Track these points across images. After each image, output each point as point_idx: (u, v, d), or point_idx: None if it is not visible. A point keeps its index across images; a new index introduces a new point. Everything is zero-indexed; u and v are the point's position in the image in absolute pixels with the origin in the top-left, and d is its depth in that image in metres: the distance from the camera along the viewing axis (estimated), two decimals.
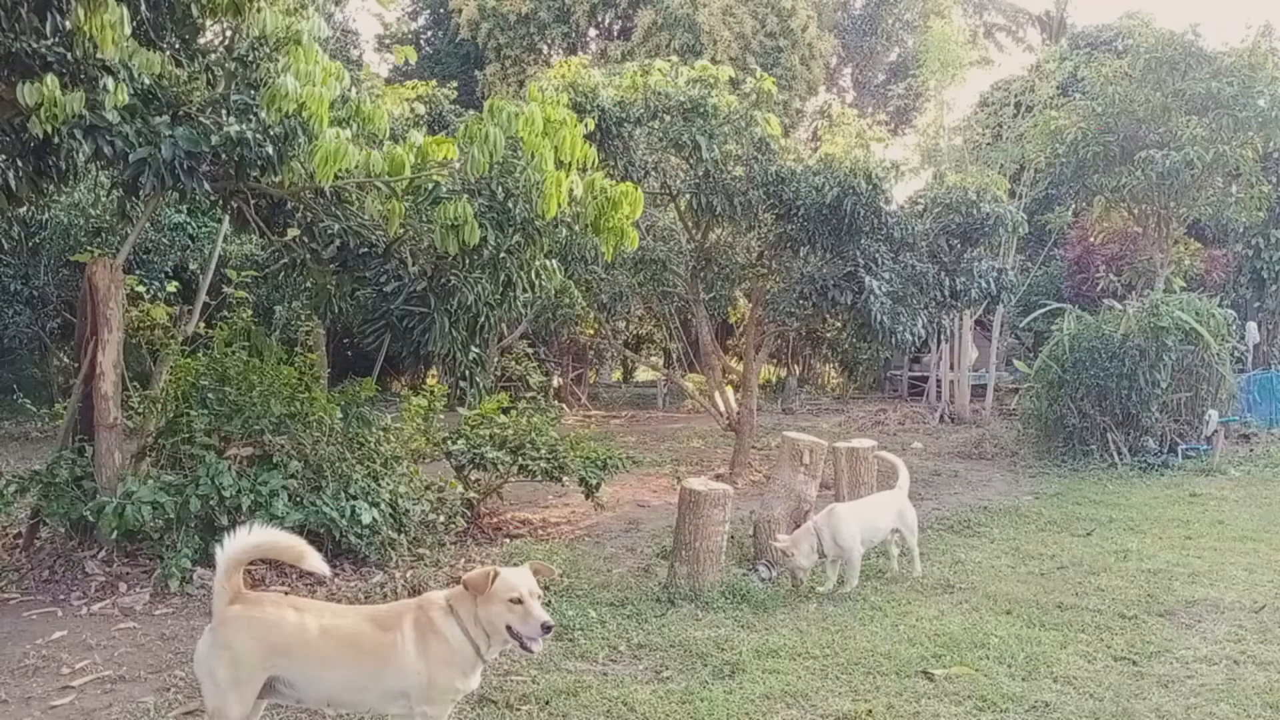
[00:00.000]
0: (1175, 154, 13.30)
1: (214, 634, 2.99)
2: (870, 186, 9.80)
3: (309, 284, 6.82)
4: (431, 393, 7.42)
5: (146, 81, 4.95)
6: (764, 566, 5.98)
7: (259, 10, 4.99)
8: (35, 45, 4.56)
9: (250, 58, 5.53)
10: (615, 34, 26.18)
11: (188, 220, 13.38)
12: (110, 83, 4.60)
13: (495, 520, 7.45)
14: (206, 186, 5.17)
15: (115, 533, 5.37)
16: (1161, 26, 14.34)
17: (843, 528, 5.63)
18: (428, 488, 6.57)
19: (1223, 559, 6.48)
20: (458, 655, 3.04)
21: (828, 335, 11.31)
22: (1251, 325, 14.40)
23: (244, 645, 2.96)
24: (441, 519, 6.31)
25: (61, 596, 5.18)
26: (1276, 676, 4.22)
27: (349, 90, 5.44)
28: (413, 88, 11.61)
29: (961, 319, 15.80)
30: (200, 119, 5.10)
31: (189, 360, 6.54)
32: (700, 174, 9.97)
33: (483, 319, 6.19)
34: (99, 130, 4.71)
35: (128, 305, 7.02)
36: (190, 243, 13.44)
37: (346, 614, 3.25)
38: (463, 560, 6.08)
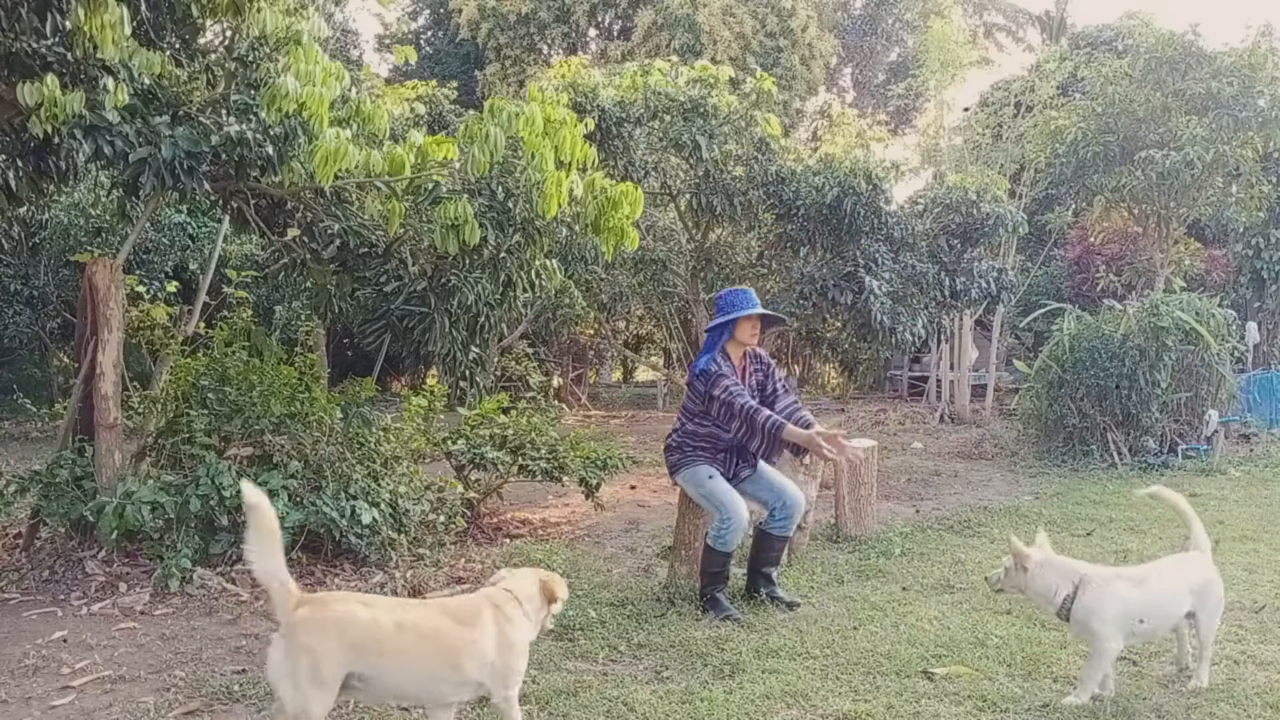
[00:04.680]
0: (1175, 154, 13.30)
1: (288, 639, 3.02)
2: (870, 186, 9.81)
3: (309, 284, 6.83)
4: (431, 393, 7.42)
5: (146, 81, 4.95)
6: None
7: (259, 10, 4.99)
8: (35, 45, 4.56)
9: (250, 58, 5.53)
10: (615, 34, 26.19)
11: (188, 220, 13.39)
12: (110, 83, 4.59)
13: (495, 520, 7.45)
14: (206, 186, 5.17)
15: (115, 533, 5.37)
16: (1161, 26, 14.34)
17: (1105, 606, 3.85)
18: (428, 488, 6.57)
19: (1223, 559, 6.46)
20: (527, 647, 3.36)
21: (828, 335, 11.31)
22: (1251, 325, 14.40)
23: (323, 645, 3.01)
24: (441, 519, 6.31)
25: (61, 596, 5.18)
26: (1276, 676, 4.22)
27: (349, 90, 5.44)
28: (413, 88, 11.61)
29: (961, 319, 15.80)
30: (200, 119, 5.10)
31: (189, 360, 6.54)
32: (700, 174, 9.98)
33: (483, 319, 6.20)
34: (99, 130, 4.70)
35: (128, 305, 7.03)
36: (190, 243, 13.44)
37: (416, 608, 3.40)
38: (463, 560, 6.08)
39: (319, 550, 5.76)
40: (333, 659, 3.01)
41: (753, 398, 5.13)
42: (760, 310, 5.15)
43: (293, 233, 6.25)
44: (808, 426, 5.01)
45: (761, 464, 5.26)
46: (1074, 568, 3.99)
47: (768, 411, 4.98)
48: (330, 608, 3.13)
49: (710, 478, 5.11)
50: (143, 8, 4.88)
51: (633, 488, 9.41)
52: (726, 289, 5.43)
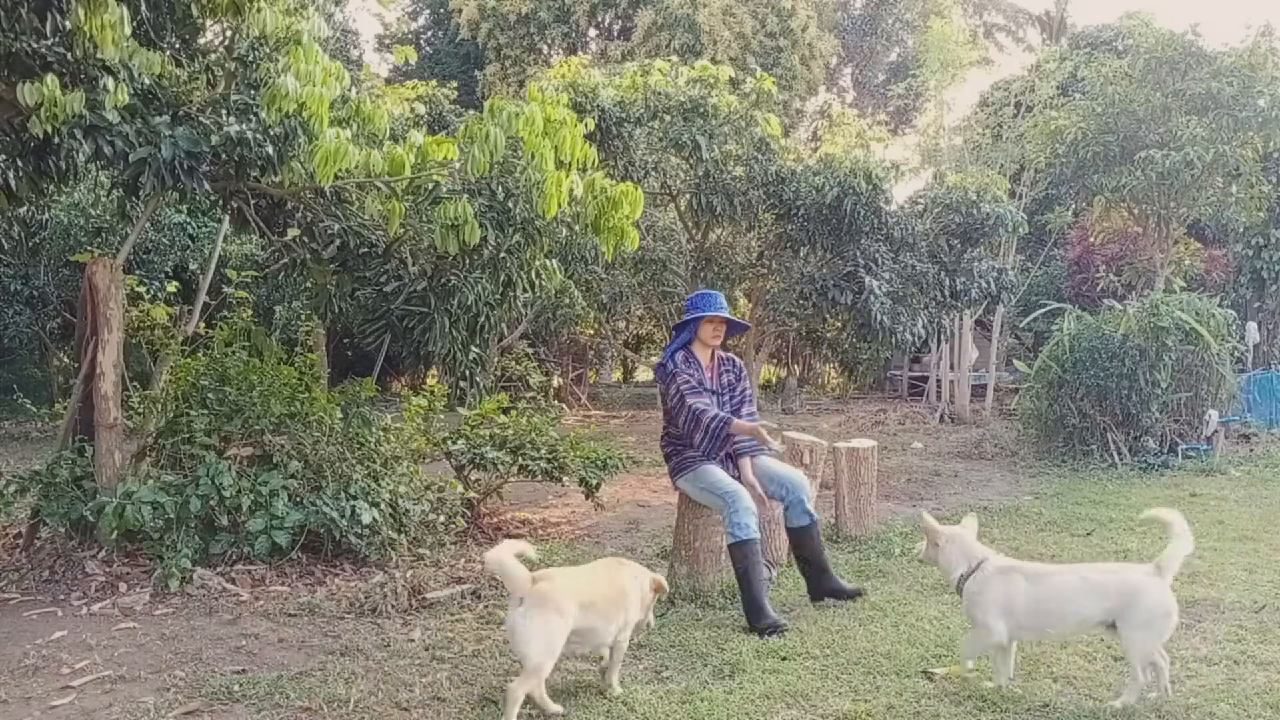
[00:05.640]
0: (1175, 154, 13.31)
1: (535, 608, 3.57)
2: (870, 186, 9.82)
3: (309, 284, 6.82)
4: (431, 393, 7.42)
5: (146, 81, 4.95)
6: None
7: (259, 10, 4.99)
8: (35, 45, 4.56)
9: (250, 58, 5.53)
10: (615, 34, 26.18)
11: (188, 220, 13.39)
12: (110, 83, 4.59)
13: (495, 520, 7.45)
14: (206, 186, 5.17)
15: (115, 533, 5.37)
16: (1161, 26, 14.36)
17: (987, 592, 4.00)
18: (428, 488, 6.57)
19: (1223, 559, 6.48)
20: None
21: (828, 335, 11.33)
22: (1251, 325, 14.40)
23: (562, 609, 3.63)
24: (441, 519, 6.31)
25: (61, 596, 5.17)
26: (1276, 676, 4.22)
27: (349, 90, 5.44)
28: (413, 88, 11.63)
29: (961, 319, 15.81)
30: (200, 119, 5.10)
31: (189, 360, 6.54)
32: (700, 174, 9.98)
33: (483, 319, 6.19)
34: (99, 130, 4.70)
35: (128, 305, 7.02)
36: (190, 243, 13.44)
37: (594, 573, 4.07)
38: (463, 560, 6.08)
39: (319, 550, 5.76)
40: (567, 619, 3.62)
41: (722, 395, 5.30)
42: (720, 314, 5.28)
43: (293, 233, 6.24)
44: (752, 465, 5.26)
45: (748, 461, 5.32)
46: (976, 551, 4.13)
47: (715, 410, 5.11)
48: (554, 582, 3.72)
49: (707, 472, 5.15)
50: (143, 8, 4.88)
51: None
52: (698, 291, 5.59)
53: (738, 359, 5.55)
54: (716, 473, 5.14)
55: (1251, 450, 12.05)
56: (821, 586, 5.29)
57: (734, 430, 5.08)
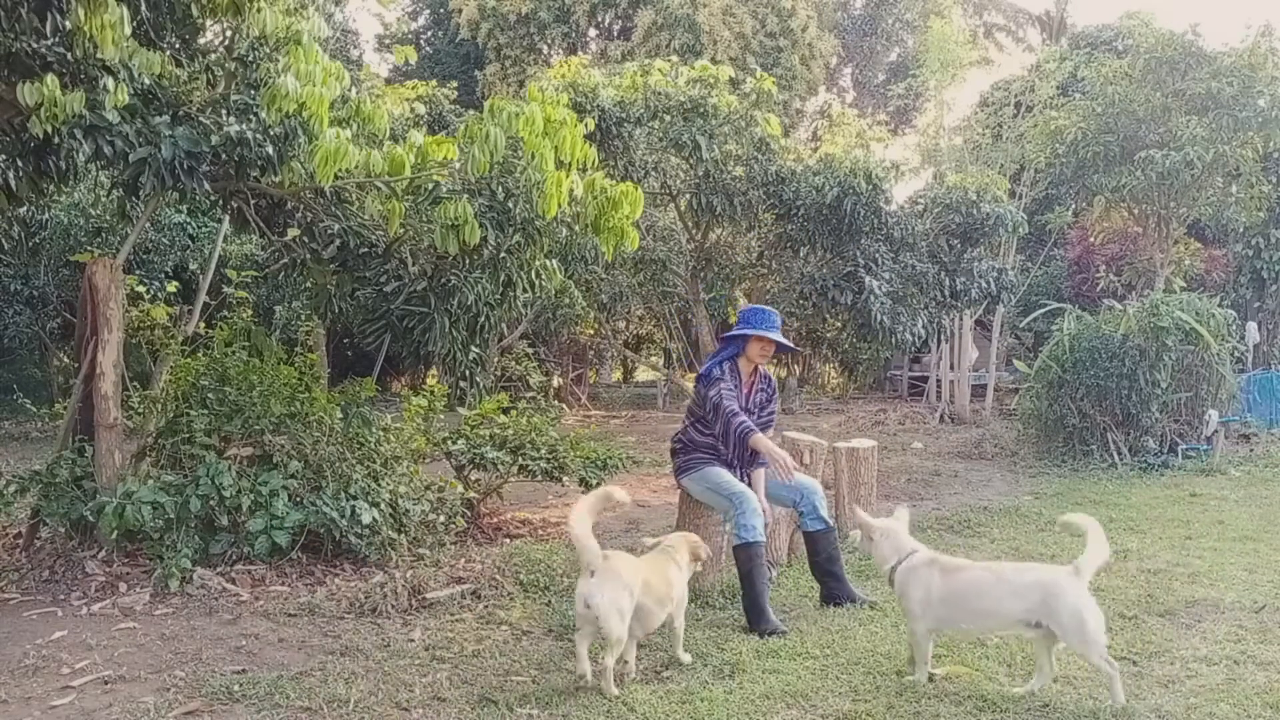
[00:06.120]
0: (1175, 154, 13.30)
1: (606, 579, 3.88)
2: (870, 186, 9.82)
3: (309, 284, 6.82)
4: (431, 393, 7.41)
5: (146, 81, 4.95)
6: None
7: (259, 10, 4.99)
8: (35, 45, 4.56)
9: (250, 58, 5.53)
10: (615, 34, 26.18)
11: (188, 220, 13.39)
12: (110, 83, 4.59)
13: (495, 520, 7.45)
14: (206, 186, 5.16)
15: (115, 533, 5.37)
16: (1161, 26, 14.34)
17: (909, 584, 4.17)
18: (428, 488, 6.56)
19: (1223, 559, 6.48)
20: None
21: (828, 335, 11.32)
22: (1251, 325, 14.40)
23: (628, 582, 3.94)
24: (441, 519, 6.31)
25: (61, 596, 5.17)
26: (1276, 676, 4.22)
27: (349, 90, 5.44)
28: (413, 88, 11.63)
29: (961, 319, 15.81)
30: (200, 119, 5.10)
31: (189, 360, 6.53)
32: (700, 174, 9.98)
33: (483, 319, 6.19)
34: (99, 130, 4.70)
35: (128, 305, 7.02)
36: (190, 243, 13.44)
37: (641, 562, 4.29)
38: (463, 560, 6.07)
39: (319, 550, 5.76)
40: (634, 593, 3.95)
41: (753, 414, 5.25)
42: (774, 336, 5.21)
43: (293, 233, 6.24)
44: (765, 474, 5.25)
45: (762, 471, 5.30)
46: (906, 544, 4.30)
47: (744, 418, 5.07)
48: (622, 559, 4.08)
49: (714, 473, 5.15)
50: (143, 8, 4.87)
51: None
52: (753, 306, 5.49)
53: (774, 379, 5.50)
54: (724, 474, 5.14)
55: (1251, 450, 12.05)
56: (834, 593, 5.27)
57: (755, 444, 5.01)
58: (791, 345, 5.66)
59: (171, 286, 10.98)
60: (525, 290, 6.25)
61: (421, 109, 10.86)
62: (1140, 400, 10.91)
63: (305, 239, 6.16)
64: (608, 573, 3.89)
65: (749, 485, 5.24)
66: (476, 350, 6.42)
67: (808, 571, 5.81)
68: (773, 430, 5.46)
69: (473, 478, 7.24)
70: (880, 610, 5.16)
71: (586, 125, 5.89)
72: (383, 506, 5.88)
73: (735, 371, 5.24)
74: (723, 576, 5.45)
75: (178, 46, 5.43)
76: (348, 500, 5.74)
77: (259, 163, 5.25)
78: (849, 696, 3.96)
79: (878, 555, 4.36)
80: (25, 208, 9.96)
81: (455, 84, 14.56)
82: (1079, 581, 3.86)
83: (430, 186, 5.73)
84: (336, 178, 5.24)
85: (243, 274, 8.19)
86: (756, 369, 5.35)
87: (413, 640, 4.59)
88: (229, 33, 5.63)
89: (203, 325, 7.73)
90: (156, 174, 4.87)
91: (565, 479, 7.10)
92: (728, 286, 12.62)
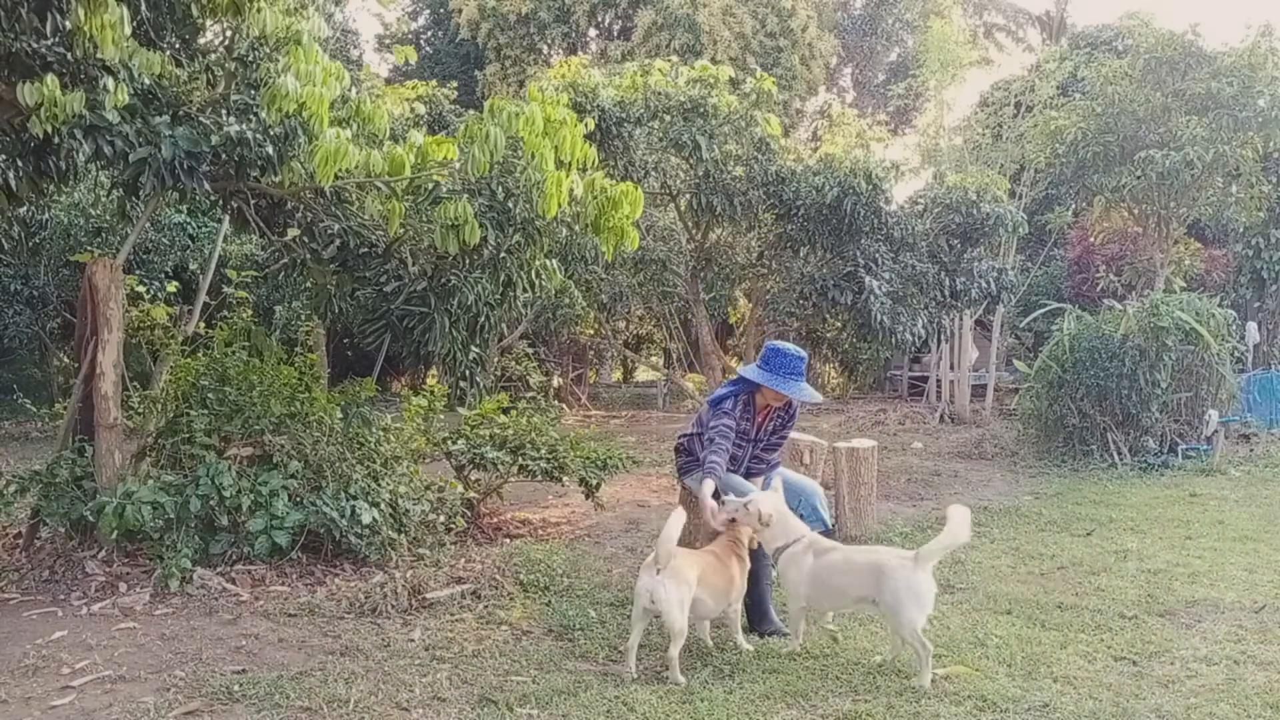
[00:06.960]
0: (1175, 154, 13.29)
1: (670, 579, 4.12)
2: (870, 186, 9.81)
3: (309, 284, 6.81)
4: (431, 393, 7.42)
5: (146, 81, 4.95)
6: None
7: (259, 10, 4.99)
8: (35, 45, 4.56)
9: (250, 58, 5.53)
10: (615, 34, 26.17)
11: (188, 220, 13.39)
12: (110, 83, 4.59)
13: (495, 520, 7.45)
14: (206, 186, 5.16)
15: (115, 533, 5.37)
16: (1161, 26, 14.33)
17: (788, 566, 4.51)
18: (428, 488, 6.56)
19: (1223, 559, 6.49)
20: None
21: (828, 335, 11.32)
22: (1251, 325, 14.39)
23: (690, 580, 4.20)
24: (441, 519, 6.31)
25: (61, 596, 5.17)
26: (1276, 676, 4.22)
27: (349, 90, 5.44)
28: (413, 88, 11.63)
29: (961, 319, 15.80)
30: (200, 119, 5.10)
31: (189, 360, 6.53)
32: (700, 174, 9.98)
33: (483, 319, 6.19)
34: (99, 130, 4.70)
35: (128, 305, 7.02)
36: (190, 243, 13.44)
37: (698, 555, 4.53)
38: (463, 560, 6.07)
39: (319, 550, 5.76)
40: (692, 587, 4.19)
41: (759, 442, 5.13)
42: (790, 395, 4.93)
43: (293, 233, 6.24)
44: (764, 483, 5.10)
45: (762, 477, 5.28)
46: (795, 529, 4.58)
47: (719, 460, 4.85)
48: (690, 557, 4.36)
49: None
50: (143, 8, 4.88)
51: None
52: (785, 348, 4.97)
53: (795, 408, 5.20)
54: (733, 475, 5.10)
55: (1251, 450, 12.05)
56: None
57: (700, 485, 4.85)
58: (811, 399, 5.01)
59: (171, 286, 10.99)
60: (525, 290, 6.25)
61: (421, 109, 10.86)
62: (1140, 400, 10.91)
63: (305, 239, 6.15)
64: (673, 572, 4.14)
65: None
66: (476, 350, 6.41)
67: None
68: (777, 454, 5.35)
69: (473, 478, 7.24)
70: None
71: (586, 125, 5.89)
72: (383, 506, 5.88)
73: (750, 405, 5.03)
74: None
75: (178, 46, 5.43)
76: (348, 500, 5.74)
77: (259, 163, 5.25)
78: (849, 696, 3.96)
79: (768, 537, 4.58)
80: (25, 208, 9.96)
81: (455, 84, 14.55)
82: (913, 566, 4.18)
83: (430, 186, 5.73)
84: (336, 178, 5.24)
85: (243, 274, 8.20)
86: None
87: (413, 640, 4.59)
88: (229, 33, 5.63)
89: (203, 325, 7.73)
90: (156, 174, 4.87)
91: (565, 479, 7.10)
92: (728, 286, 12.61)
